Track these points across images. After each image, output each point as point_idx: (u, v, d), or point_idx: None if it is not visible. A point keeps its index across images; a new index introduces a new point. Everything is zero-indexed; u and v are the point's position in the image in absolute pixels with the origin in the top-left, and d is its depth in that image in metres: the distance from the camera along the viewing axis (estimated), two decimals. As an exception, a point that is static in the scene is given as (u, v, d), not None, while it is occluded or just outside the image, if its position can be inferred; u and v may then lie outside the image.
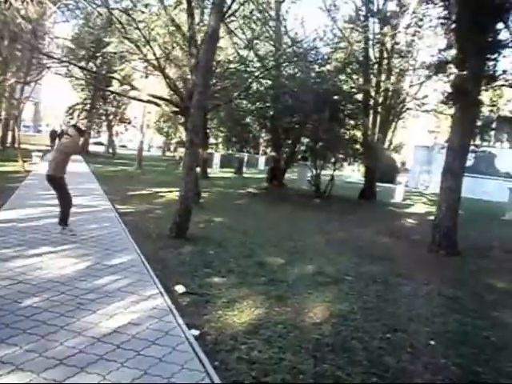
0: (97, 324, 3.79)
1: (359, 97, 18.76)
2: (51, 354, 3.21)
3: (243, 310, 4.51)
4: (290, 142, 19.07)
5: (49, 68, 17.10)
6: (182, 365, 3.25)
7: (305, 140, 18.39)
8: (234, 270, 5.94)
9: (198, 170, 17.23)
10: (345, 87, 18.19)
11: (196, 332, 3.84)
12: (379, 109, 18.72)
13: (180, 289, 4.86)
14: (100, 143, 44.69)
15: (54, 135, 32.75)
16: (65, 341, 3.43)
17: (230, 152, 38.06)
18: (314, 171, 17.48)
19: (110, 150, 35.60)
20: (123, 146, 52.83)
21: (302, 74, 16.42)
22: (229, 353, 3.56)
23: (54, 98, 54.42)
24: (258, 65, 16.40)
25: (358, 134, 18.76)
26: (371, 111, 18.74)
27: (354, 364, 3.60)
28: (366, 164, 19.16)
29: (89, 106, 32.64)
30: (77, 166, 20.89)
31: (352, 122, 17.63)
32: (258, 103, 18.44)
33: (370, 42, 18.20)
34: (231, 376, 3.23)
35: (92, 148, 36.98)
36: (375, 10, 17.66)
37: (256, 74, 14.68)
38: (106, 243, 6.67)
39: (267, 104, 17.76)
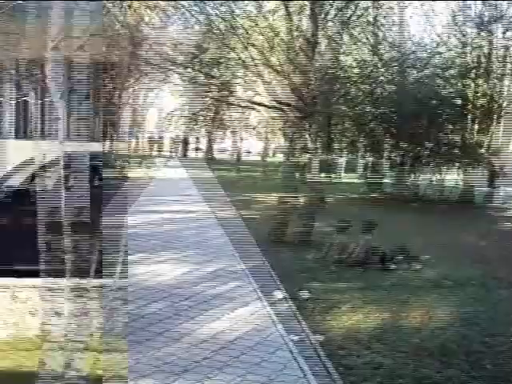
0: (194, 330, 3.83)
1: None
2: (148, 361, 3.24)
3: (351, 315, 4.40)
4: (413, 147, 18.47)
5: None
6: (280, 370, 3.20)
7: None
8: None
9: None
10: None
11: (295, 337, 3.77)
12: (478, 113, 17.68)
13: (278, 294, 4.82)
14: (224, 150, 46.59)
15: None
16: (163, 347, 3.47)
17: (354, 157, 37.39)
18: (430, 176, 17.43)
19: (235, 157, 36.98)
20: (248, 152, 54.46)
21: (428, 79, 16.59)
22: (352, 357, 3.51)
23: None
24: (382, 70, 16.45)
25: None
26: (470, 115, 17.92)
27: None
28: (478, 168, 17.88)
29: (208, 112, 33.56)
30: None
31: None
32: (382, 108, 18.22)
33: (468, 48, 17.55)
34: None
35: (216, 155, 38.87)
36: (473, 15, 16.80)
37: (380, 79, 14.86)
38: (206, 249, 6.65)
39: (392, 109, 17.56)
